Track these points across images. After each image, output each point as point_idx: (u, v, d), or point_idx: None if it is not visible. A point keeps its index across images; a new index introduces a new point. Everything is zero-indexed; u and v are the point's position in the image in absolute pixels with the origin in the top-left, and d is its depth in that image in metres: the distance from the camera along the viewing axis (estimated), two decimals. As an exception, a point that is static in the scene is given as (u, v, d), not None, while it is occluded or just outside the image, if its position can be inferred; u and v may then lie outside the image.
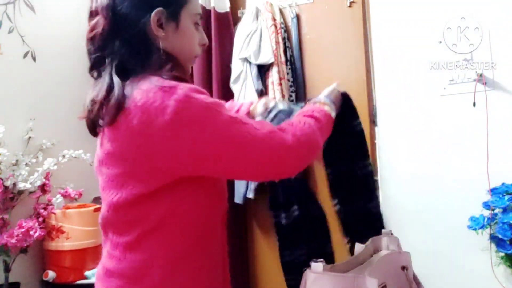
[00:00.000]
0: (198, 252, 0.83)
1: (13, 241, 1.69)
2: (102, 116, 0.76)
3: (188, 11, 0.85)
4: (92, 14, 0.82)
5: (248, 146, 0.75)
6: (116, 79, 0.76)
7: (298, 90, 2.13)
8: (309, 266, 0.90)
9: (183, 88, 0.72)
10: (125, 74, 0.78)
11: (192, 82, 0.86)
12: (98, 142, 0.84)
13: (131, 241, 0.79)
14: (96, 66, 0.82)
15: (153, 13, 0.79)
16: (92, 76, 0.84)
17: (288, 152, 0.79)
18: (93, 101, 0.78)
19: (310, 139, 0.84)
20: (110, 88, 0.75)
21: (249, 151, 0.76)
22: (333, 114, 0.99)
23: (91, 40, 0.81)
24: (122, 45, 0.79)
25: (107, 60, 0.79)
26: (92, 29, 0.81)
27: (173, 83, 0.74)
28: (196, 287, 0.82)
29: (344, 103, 1.08)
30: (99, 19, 0.80)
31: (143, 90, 0.73)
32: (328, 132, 0.95)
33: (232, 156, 0.75)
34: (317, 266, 0.88)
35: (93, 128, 0.81)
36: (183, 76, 0.81)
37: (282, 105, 1.09)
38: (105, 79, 0.77)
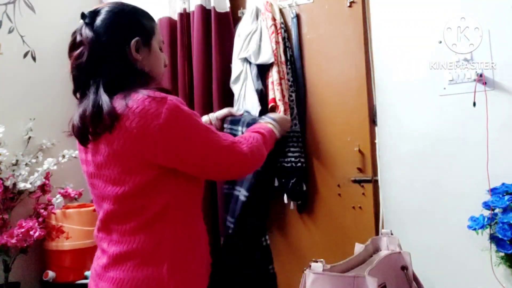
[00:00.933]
0: (194, 229, 1.03)
1: (13, 241, 1.69)
2: (96, 127, 0.92)
3: (156, 39, 1.07)
4: (76, 45, 1.00)
5: (217, 151, 0.97)
6: (103, 95, 0.93)
7: (298, 90, 2.13)
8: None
9: (172, 99, 0.92)
10: (112, 90, 0.95)
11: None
12: (87, 154, 1.01)
13: (138, 225, 0.95)
14: (80, 88, 0.99)
15: (132, 42, 1.00)
16: (76, 97, 1.02)
17: (244, 159, 1.03)
18: (83, 117, 0.94)
19: (259, 151, 1.09)
20: (98, 103, 0.92)
21: (217, 154, 0.98)
22: (276, 131, 1.29)
23: (77, 67, 0.99)
24: (109, 68, 0.97)
25: (91, 82, 0.96)
26: (78, 58, 0.98)
27: (162, 94, 0.92)
28: (197, 259, 1.02)
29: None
30: (83, 50, 0.97)
31: (138, 100, 0.90)
32: (271, 145, 1.22)
33: (205, 155, 0.96)
34: (317, 266, 0.88)
35: (85, 139, 0.96)
36: (167, 88, 0.99)
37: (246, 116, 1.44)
38: (90, 97, 0.94)
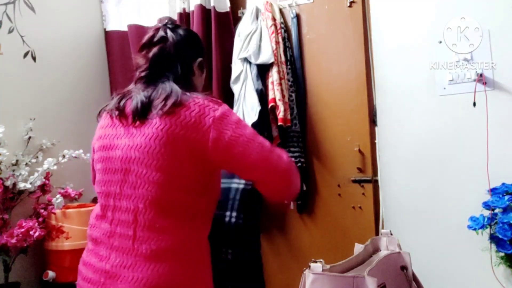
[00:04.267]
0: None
1: (13, 241, 1.69)
2: (163, 106, 0.99)
3: (204, 71, 1.24)
4: (157, 40, 1.12)
5: (261, 149, 1.02)
6: (176, 87, 1.04)
7: (298, 90, 2.13)
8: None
9: (225, 105, 1.04)
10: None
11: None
12: (122, 138, 1.02)
13: (181, 221, 0.98)
14: (153, 75, 1.09)
15: (198, 59, 1.19)
16: (141, 81, 1.09)
17: (282, 166, 1.05)
18: (150, 97, 1.03)
19: (296, 176, 1.10)
20: (172, 92, 1.02)
21: (261, 151, 1.02)
22: None
23: (158, 56, 1.10)
24: (181, 68, 1.11)
25: (165, 74, 1.08)
26: (161, 49, 1.11)
27: (218, 100, 1.05)
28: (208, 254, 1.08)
29: None
30: (166, 46, 1.11)
31: (199, 97, 1.03)
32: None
33: (248, 149, 0.99)
34: (316, 266, 0.88)
35: (141, 116, 1.01)
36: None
37: None
38: (166, 85, 1.05)
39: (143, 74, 1.10)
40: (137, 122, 1.01)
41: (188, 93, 1.04)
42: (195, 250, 1.00)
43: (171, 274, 0.94)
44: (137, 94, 1.05)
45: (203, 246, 1.03)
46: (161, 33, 1.13)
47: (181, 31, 1.16)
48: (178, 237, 0.97)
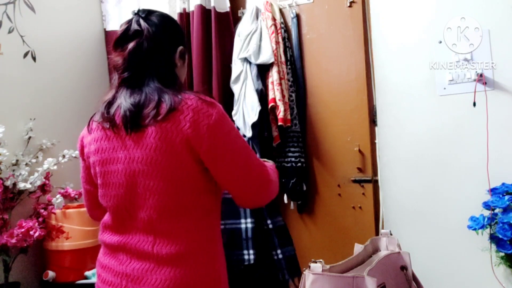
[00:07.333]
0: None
1: (13, 241, 1.69)
2: (154, 116, 0.95)
3: (187, 56, 1.16)
4: (131, 35, 1.04)
5: (250, 161, 1.03)
6: (164, 91, 0.99)
7: (298, 90, 2.13)
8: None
9: (219, 105, 1.01)
10: (163, 85, 1.01)
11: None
12: (120, 151, 1.00)
13: (196, 222, 1.00)
14: (135, 77, 1.02)
15: (179, 47, 1.10)
16: (124, 84, 1.03)
17: (269, 182, 1.07)
18: (138, 104, 0.98)
19: (276, 183, 1.14)
20: (161, 98, 0.97)
21: (249, 165, 1.03)
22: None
23: (135, 56, 1.02)
24: (163, 62, 1.04)
25: (147, 73, 1.01)
26: (137, 47, 1.02)
27: (211, 99, 1.01)
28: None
29: None
30: (141, 40, 1.02)
31: (192, 99, 0.98)
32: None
33: (238, 162, 1.01)
34: (316, 266, 0.88)
35: (134, 127, 0.97)
36: (211, 96, 1.06)
37: None
38: (152, 89, 0.99)
39: (124, 76, 1.03)
40: (132, 133, 0.98)
41: (179, 95, 0.98)
42: (211, 249, 1.02)
43: (191, 274, 0.96)
44: (124, 102, 1.00)
45: (218, 243, 1.05)
46: (134, 26, 1.04)
47: (155, 19, 1.05)
48: (194, 239, 0.98)
